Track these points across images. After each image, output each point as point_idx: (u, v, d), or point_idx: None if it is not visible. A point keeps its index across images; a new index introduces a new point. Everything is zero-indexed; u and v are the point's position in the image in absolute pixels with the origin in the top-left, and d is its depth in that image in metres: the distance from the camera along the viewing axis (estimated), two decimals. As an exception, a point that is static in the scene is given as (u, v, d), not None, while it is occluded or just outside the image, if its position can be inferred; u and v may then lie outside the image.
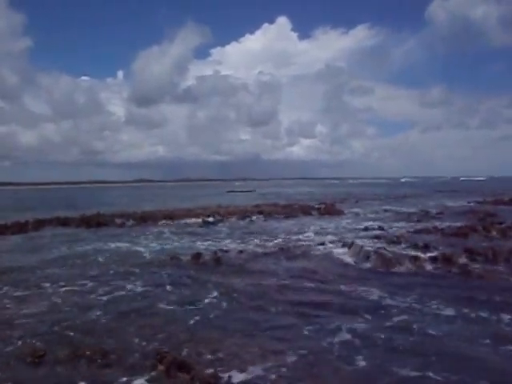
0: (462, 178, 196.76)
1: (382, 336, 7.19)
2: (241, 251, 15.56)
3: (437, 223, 22.10)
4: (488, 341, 6.95)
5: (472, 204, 37.16)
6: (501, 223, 21.04)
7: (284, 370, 6.04)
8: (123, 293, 10.30)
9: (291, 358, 6.39)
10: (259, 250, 15.95)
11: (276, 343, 6.99)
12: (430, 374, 5.85)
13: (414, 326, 7.62)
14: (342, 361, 6.32)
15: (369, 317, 8.21)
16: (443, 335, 7.22)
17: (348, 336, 7.23)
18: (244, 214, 28.91)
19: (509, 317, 7.99)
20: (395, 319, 8.05)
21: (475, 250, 13.64)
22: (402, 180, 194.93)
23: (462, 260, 12.47)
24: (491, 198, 41.32)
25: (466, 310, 8.41)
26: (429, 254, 13.19)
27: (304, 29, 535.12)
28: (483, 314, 8.19)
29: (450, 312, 8.39)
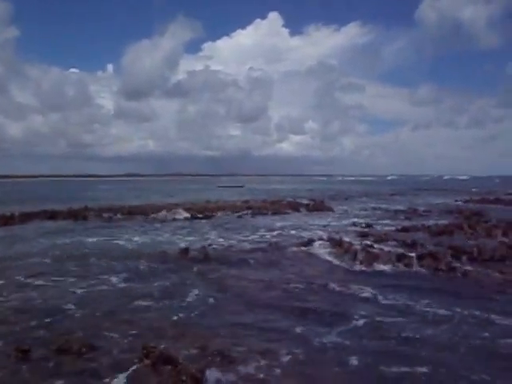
0: (446, 176, 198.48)
1: (374, 336, 7.16)
2: (229, 246, 15.54)
3: (424, 221, 22.33)
4: (480, 338, 7.00)
5: (459, 202, 37.72)
6: (486, 221, 21.38)
7: (275, 369, 5.95)
8: (105, 287, 10.08)
9: (282, 358, 6.29)
10: (247, 245, 15.94)
11: (265, 342, 6.90)
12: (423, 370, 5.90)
13: (406, 326, 7.59)
14: (334, 361, 6.25)
15: (359, 315, 8.13)
16: (433, 334, 7.22)
17: (339, 336, 7.15)
18: (233, 210, 28.87)
19: (497, 315, 8.04)
20: (386, 318, 7.99)
21: (461, 248, 13.81)
22: (389, 178, 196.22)
23: (449, 258, 12.59)
24: (477, 197, 42.00)
25: (457, 309, 8.40)
26: (416, 252, 13.28)
27: (296, 25, 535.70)
28: (475, 312, 8.22)
29: (440, 311, 8.38)
